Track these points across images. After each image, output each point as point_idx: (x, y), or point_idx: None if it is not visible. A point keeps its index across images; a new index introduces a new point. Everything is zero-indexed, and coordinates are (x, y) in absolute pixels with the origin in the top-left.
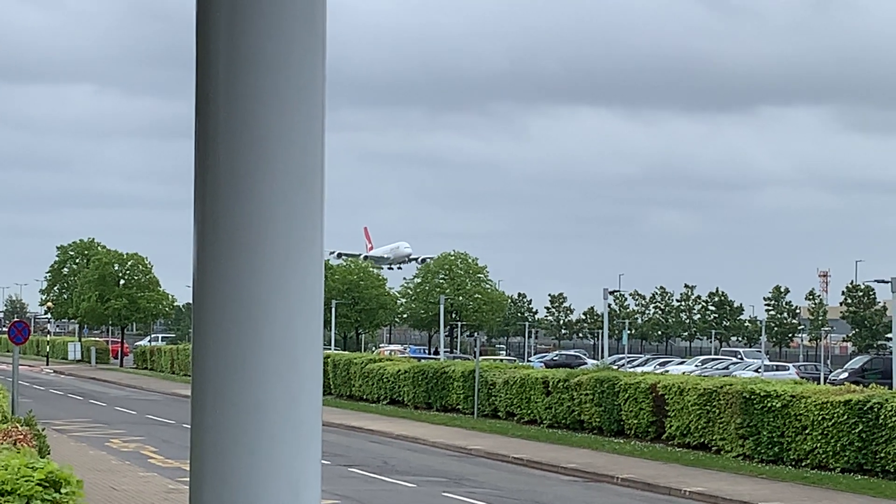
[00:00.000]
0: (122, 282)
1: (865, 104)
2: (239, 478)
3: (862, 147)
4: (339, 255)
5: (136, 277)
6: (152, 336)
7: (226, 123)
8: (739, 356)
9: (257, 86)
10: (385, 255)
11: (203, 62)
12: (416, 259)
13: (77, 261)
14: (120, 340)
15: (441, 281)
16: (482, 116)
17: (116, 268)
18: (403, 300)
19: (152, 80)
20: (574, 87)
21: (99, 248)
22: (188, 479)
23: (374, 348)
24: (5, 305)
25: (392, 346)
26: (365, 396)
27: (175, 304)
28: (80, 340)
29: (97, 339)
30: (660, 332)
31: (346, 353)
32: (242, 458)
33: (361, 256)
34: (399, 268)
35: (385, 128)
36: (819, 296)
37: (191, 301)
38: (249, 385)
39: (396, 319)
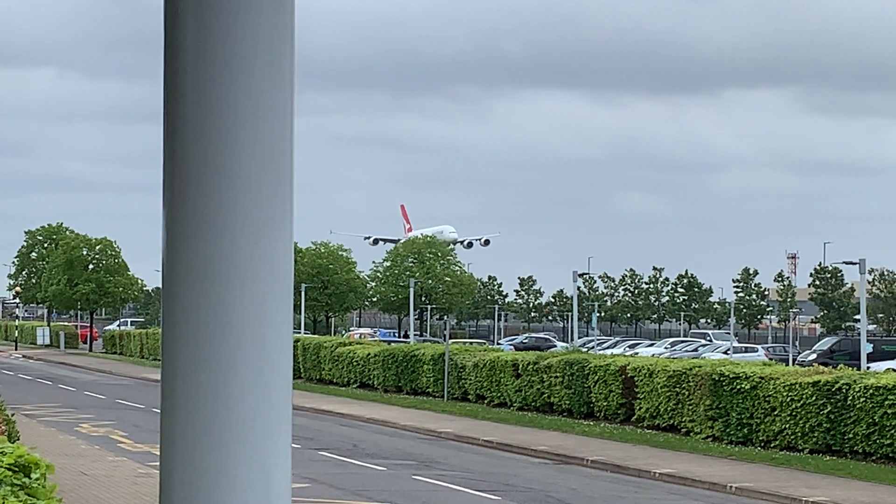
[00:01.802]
0: (90, 266)
1: (828, 86)
2: (209, 462)
3: (825, 129)
4: (376, 241)
5: (104, 262)
6: (121, 320)
7: (194, 108)
8: (708, 338)
9: (226, 70)
10: None
11: (171, 47)
12: (462, 242)
13: (45, 245)
14: (89, 325)
15: (411, 264)
16: (447, 99)
17: (85, 252)
18: (373, 284)
19: (114, 63)
20: (538, 70)
21: (67, 232)
22: (158, 463)
23: (343, 332)
24: None
25: (362, 330)
26: (335, 380)
27: (144, 288)
28: (48, 325)
29: (66, 323)
30: (629, 315)
31: (316, 336)
32: (213, 443)
33: (400, 242)
34: None
35: (350, 111)
36: (787, 278)
37: (160, 285)
38: (219, 369)
39: (366, 303)
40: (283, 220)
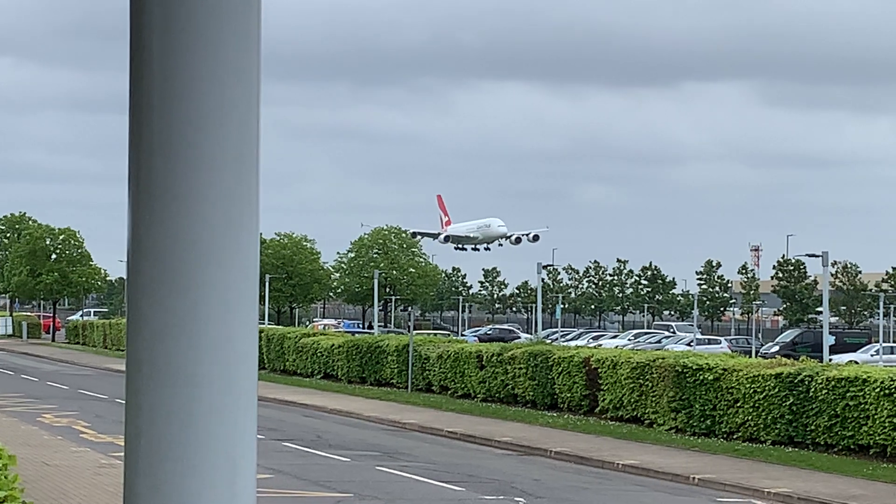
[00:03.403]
0: (53, 256)
1: (786, 79)
2: (175, 452)
3: (784, 121)
4: (415, 235)
5: (67, 252)
6: (84, 311)
7: (160, 99)
8: (672, 330)
9: (192, 60)
10: (471, 234)
11: (137, 37)
12: (510, 238)
13: (7, 235)
14: (52, 315)
15: (375, 255)
16: (407, 91)
17: (48, 242)
18: (337, 275)
19: (72, 52)
20: (497, 62)
21: (30, 222)
22: (121, 454)
23: (307, 323)
24: None
25: (326, 321)
26: (299, 371)
27: (107, 278)
28: (11, 315)
29: (29, 313)
30: (593, 306)
31: (280, 327)
32: (178, 433)
33: (441, 237)
34: (487, 248)
35: (310, 102)
36: (751, 270)
37: (123, 276)
38: (185, 360)
39: (330, 294)
40: (249, 211)
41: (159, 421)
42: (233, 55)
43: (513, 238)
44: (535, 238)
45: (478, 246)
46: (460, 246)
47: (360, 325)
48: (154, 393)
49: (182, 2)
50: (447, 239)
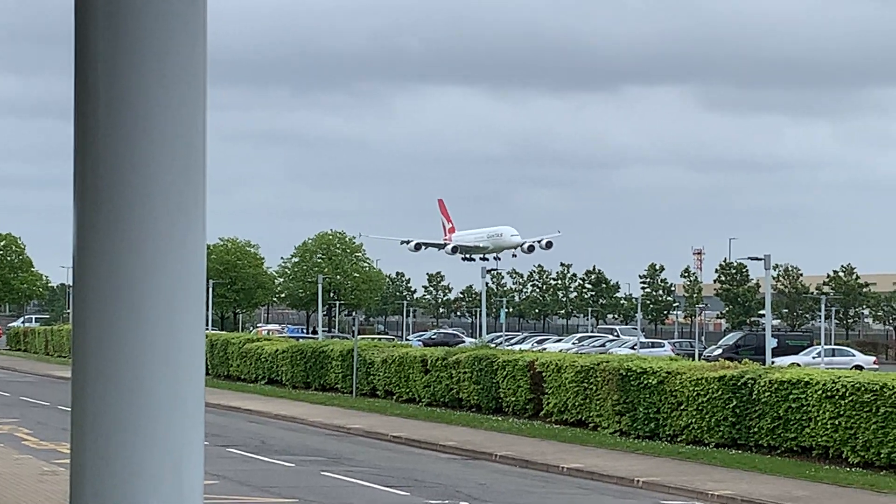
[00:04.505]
0: None
1: (725, 83)
2: (121, 458)
3: (723, 125)
4: (418, 246)
5: (8, 258)
6: (26, 317)
7: (106, 104)
8: (616, 333)
9: (138, 65)
10: (481, 244)
11: (82, 42)
12: (522, 246)
13: None
14: None
15: (319, 260)
16: (347, 95)
17: None
18: (281, 279)
19: (7, 56)
20: (437, 66)
21: None
22: (63, 461)
23: (251, 328)
24: None
25: (270, 326)
26: (243, 376)
27: (49, 284)
28: None
29: None
30: (537, 310)
31: (224, 332)
32: (125, 440)
33: (449, 248)
34: (497, 258)
35: (250, 107)
36: (694, 273)
37: (65, 282)
38: (131, 366)
39: (274, 299)
40: (196, 217)
41: (105, 427)
42: (179, 59)
43: (525, 247)
44: (549, 245)
45: (487, 255)
46: (468, 256)
47: (305, 330)
48: (100, 399)
49: (128, 5)
50: (455, 250)
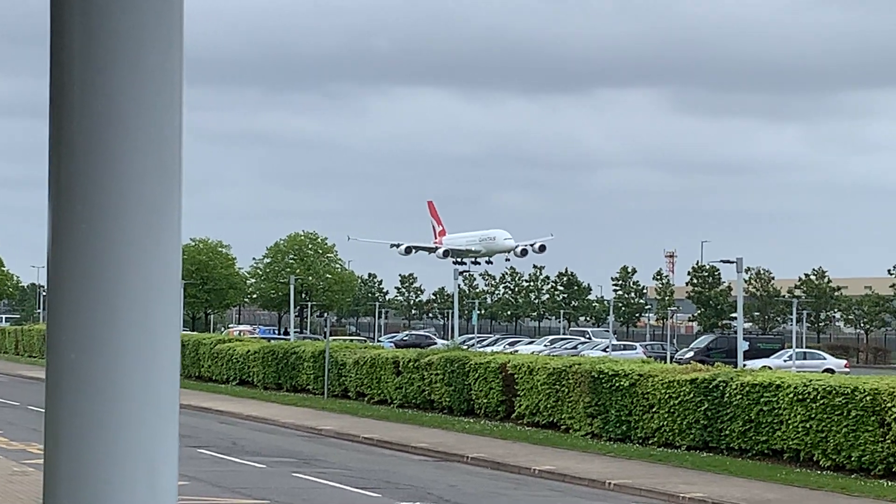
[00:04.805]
0: None
1: (697, 86)
2: (95, 460)
3: (695, 129)
4: (409, 250)
5: None
6: None
7: (81, 105)
8: (588, 336)
9: (114, 65)
10: (473, 248)
11: (58, 43)
12: (515, 250)
13: None
14: None
15: (291, 261)
16: (321, 96)
17: None
18: (253, 280)
19: None
20: (411, 68)
21: None
22: (34, 461)
23: (223, 329)
24: None
25: (241, 327)
26: (214, 377)
27: (20, 284)
28: None
29: None
30: (509, 312)
31: (195, 333)
32: (99, 440)
33: (440, 251)
34: (489, 262)
35: (223, 107)
36: (666, 276)
37: (35, 282)
38: (106, 367)
39: (246, 300)
40: (171, 218)
41: (80, 429)
42: (155, 59)
43: (518, 250)
44: (542, 248)
45: (479, 259)
46: (459, 260)
47: (276, 331)
48: (74, 401)
49: (103, 5)
50: (446, 254)
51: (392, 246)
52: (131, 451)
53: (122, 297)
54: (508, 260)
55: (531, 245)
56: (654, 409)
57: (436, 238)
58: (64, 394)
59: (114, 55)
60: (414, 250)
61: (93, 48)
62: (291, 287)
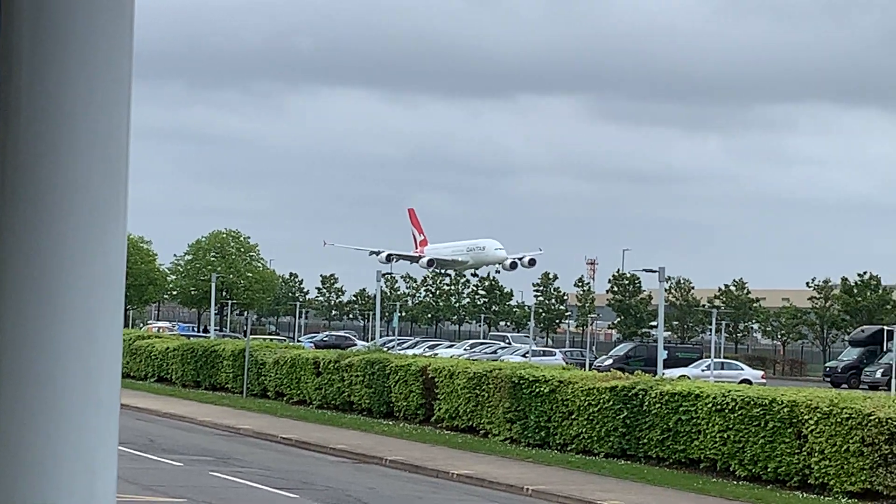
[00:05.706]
0: None
1: (619, 95)
2: (33, 460)
3: (615, 137)
4: (390, 258)
5: None
6: None
7: (28, 100)
8: (507, 341)
9: (61, 61)
10: (459, 258)
11: (6, 39)
12: (504, 263)
13: None
14: None
15: (213, 258)
16: (242, 94)
17: None
18: (173, 277)
19: None
20: (333, 68)
21: None
22: None
23: (142, 325)
24: None
25: (160, 323)
26: (132, 374)
27: None
28: None
29: None
30: (430, 315)
31: None
32: (37, 441)
33: (423, 261)
34: (475, 274)
35: (142, 101)
36: (587, 283)
37: None
38: (47, 364)
39: (166, 296)
40: (117, 217)
41: (18, 427)
42: (104, 55)
43: (508, 263)
44: (532, 262)
45: (464, 272)
46: (444, 271)
47: (196, 329)
48: (14, 398)
49: (53, 3)
50: (430, 263)
51: (372, 253)
52: (71, 451)
53: (65, 295)
54: (499, 272)
55: (520, 259)
56: (573, 416)
57: (416, 247)
58: (2, 392)
59: (62, 50)
60: (395, 259)
61: (41, 44)
62: (213, 285)
